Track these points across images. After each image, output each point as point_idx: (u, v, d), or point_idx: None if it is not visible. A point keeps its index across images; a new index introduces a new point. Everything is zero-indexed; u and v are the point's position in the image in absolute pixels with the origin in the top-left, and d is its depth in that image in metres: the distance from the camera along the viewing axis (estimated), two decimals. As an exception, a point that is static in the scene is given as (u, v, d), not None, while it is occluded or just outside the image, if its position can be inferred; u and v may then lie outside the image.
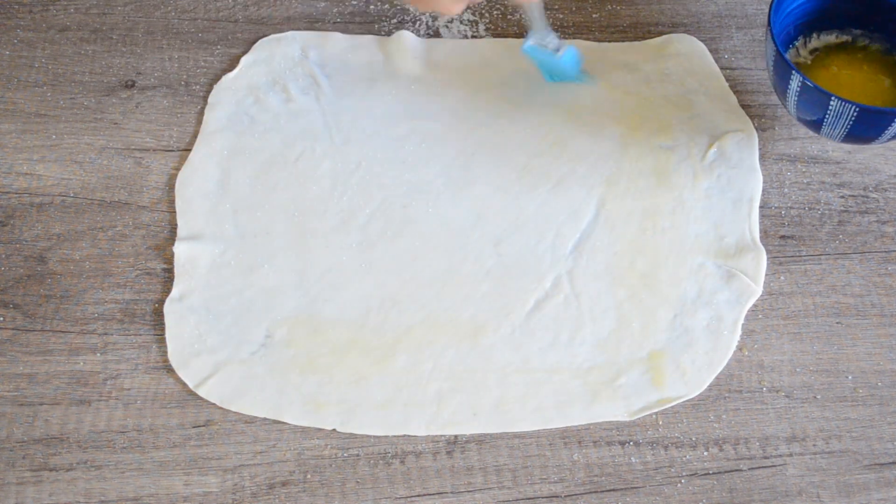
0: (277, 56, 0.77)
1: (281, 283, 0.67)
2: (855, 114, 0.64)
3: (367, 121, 0.74)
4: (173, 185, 0.71)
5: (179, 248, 0.68)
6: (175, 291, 0.66)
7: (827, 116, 0.65)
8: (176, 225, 0.70)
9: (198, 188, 0.71)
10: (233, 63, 0.77)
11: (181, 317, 0.66)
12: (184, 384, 0.64)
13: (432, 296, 0.67)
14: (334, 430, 0.62)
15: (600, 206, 0.70)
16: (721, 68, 0.77)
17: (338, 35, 0.79)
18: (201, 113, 0.75)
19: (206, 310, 0.66)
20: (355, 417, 0.62)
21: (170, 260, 0.68)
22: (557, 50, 0.72)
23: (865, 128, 0.65)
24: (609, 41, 0.79)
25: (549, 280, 0.67)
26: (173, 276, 0.67)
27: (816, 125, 0.67)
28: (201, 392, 0.63)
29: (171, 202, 0.71)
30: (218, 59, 0.78)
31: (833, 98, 0.63)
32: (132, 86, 0.76)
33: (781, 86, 0.67)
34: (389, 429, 0.62)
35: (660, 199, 0.70)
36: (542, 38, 0.72)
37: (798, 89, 0.65)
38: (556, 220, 0.70)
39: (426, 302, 0.66)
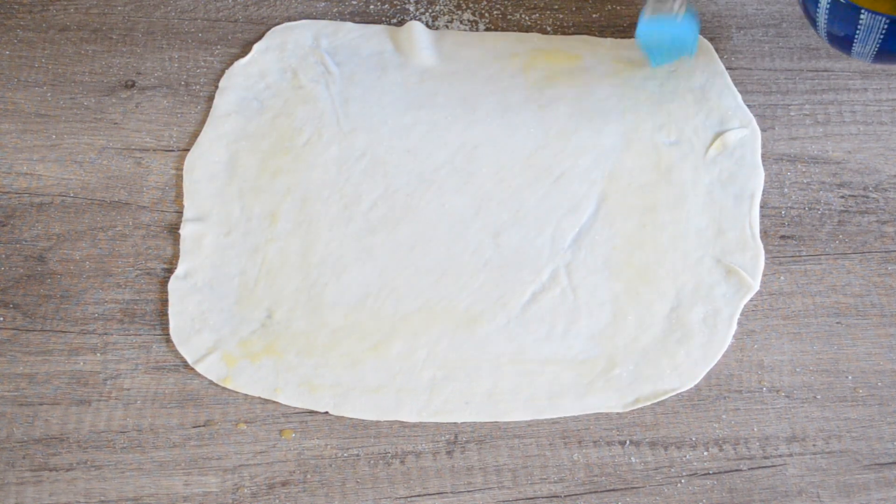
0: (290, 43, 0.78)
1: (283, 264, 0.68)
2: (885, 26, 0.63)
3: (375, 109, 0.75)
4: (173, 185, 0.71)
5: (186, 228, 0.69)
6: (180, 269, 0.68)
7: (858, 32, 0.64)
8: (176, 225, 0.70)
9: (205, 170, 0.72)
10: (233, 63, 0.77)
11: (185, 294, 0.67)
12: (184, 384, 0.64)
13: (430, 284, 0.67)
14: (327, 412, 0.63)
15: (601, 201, 0.71)
16: (721, 68, 0.77)
17: (349, 24, 0.79)
18: (201, 113, 0.75)
19: (209, 288, 0.67)
20: (348, 401, 0.63)
21: (170, 261, 0.68)
22: (677, 12, 0.70)
23: None
24: (609, 41, 0.79)
25: (547, 272, 0.68)
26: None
27: (847, 43, 0.67)
28: (199, 368, 0.64)
29: (171, 202, 0.71)
30: (218, 59, 0.78)
31: (864, 11, 0.63)
32: (132, 86, 0.76)
33: (811, 5, 0.67)
34: (382, 414, 0.63)
35: (661, 195, 0.71)
36: (660, 3, 0.70)
37: (828, 5, 0.65)
38: (557, 213, 0.70)
39: (424, 290, 0.67)
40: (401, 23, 0.80)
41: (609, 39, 0.78)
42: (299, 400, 0.63)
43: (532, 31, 0.79)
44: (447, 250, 0.69)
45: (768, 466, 0.62)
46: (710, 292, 0.67)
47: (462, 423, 0.63)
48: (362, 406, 0.63)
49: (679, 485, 0.61)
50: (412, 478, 0.61)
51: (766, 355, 0.65)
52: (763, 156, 0.73)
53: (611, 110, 0.75)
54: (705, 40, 0.78)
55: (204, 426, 0.63)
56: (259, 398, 0.64)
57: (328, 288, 0.67)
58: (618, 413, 0.63)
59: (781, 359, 0.65)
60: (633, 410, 0.63)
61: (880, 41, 0.64)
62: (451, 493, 0.61)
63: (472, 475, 0.61)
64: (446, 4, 0.81)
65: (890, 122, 0.75)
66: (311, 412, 0.63)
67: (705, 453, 0.62)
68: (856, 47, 0.66)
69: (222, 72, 0.77)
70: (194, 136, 0.74)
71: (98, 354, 0.65)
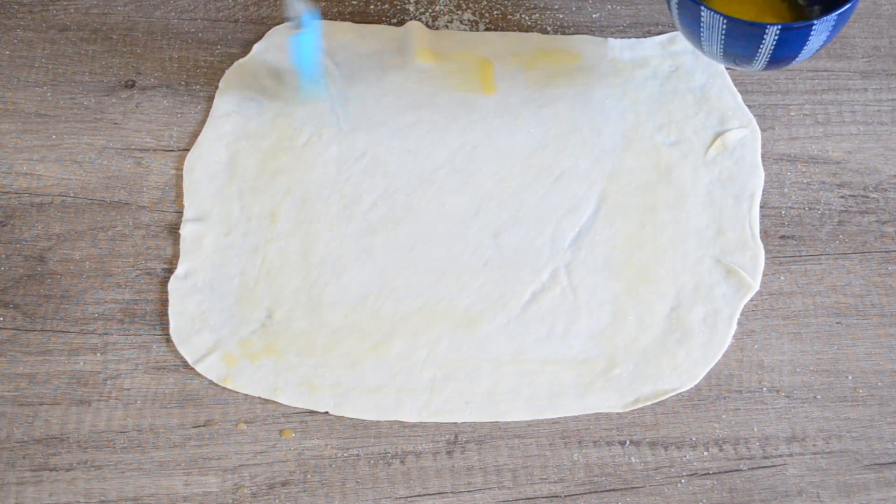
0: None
1: (283, 264, 0.68)
2: (724, 26, 0.62)
3: (375, 109, 0.75)
4: (173, 185, 0.71)
5: (186, 228, 0.69)
6: (180, 269, 0.68)
7: (702, 30, 0.64)
8: (176, 225, 0.70)
9: (205, 170, 0.72)
10: (233, 63, 0.77)
11: (185, 294, 0.67)
12: (184, 384, 0.64)
13: (430, 284, 0.67)
14: (327, 412, 0.63)
15: (601, 201, 0.71)
16: (721, 68, 0.77)
17: (349, 24, 0.79)
18: (201, 113, 0.75)
19: (209, 288, 0.67)
20: (348, 401, 0.63)
21: (170, 261, 0.68)
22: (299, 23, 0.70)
23: (739, 44, 0.63)
24: (609, 41, 0.79)
25: (547, 272, 0.68)
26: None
27: (697, 41, 0.66)
28: (199, 368, 0.64)
29: (171, 202, 0.71)
30: (218, 59, 0.78)
31: (703, 9, 0.62)
32: (132, 86, 0.76)
33: (668, 2, 0.67)
34: (382, 413, 0.63)
35: (661, 195, 0.71)
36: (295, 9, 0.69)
37: (677, 2, 0.64)
38: (557, 213, 0.70)
39: (424, 290, 0.67)
40: (401, 23, 0.80)
41: (609, 39, 0.78)
42: (299, 400, 0.63)
43: (532, 31, 0.79)
44: (447, 250, 0.69)
45: (768, 466, 0.62)
46: (710, 292, 0.67)
47: (462, 423, 0.63)
48: (362, 406, 0.63)
49: (679, 485, 0.61)
50: (412, 478, 0.61)
51: (766, 355, 0.65)
52: (763, 156, 0.73)
53: (611, 110, 0.75)
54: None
55: (204, 426, 0.63)
56: (259, 398, 0.64)
57: (328, 288, 0.67)
58: (618, 413, 0.63)
59: (781, 359, 0.65)
60: (633, 410, 0.63)
61: (723, 41, 0.63)
62: (451, 493, 0.61)
63: (472, 475, 0.61)
64: (446, 4, 0.81)
65: (890, 122, 0.75)
66: (311, 412, 0.63)
67: (705, 453, 0.62)
68: (705, 47, 0.65)
69: (222, 72, 0.77)
70: (194, 136, 0.74)
71: (98, 354, 0.65)
